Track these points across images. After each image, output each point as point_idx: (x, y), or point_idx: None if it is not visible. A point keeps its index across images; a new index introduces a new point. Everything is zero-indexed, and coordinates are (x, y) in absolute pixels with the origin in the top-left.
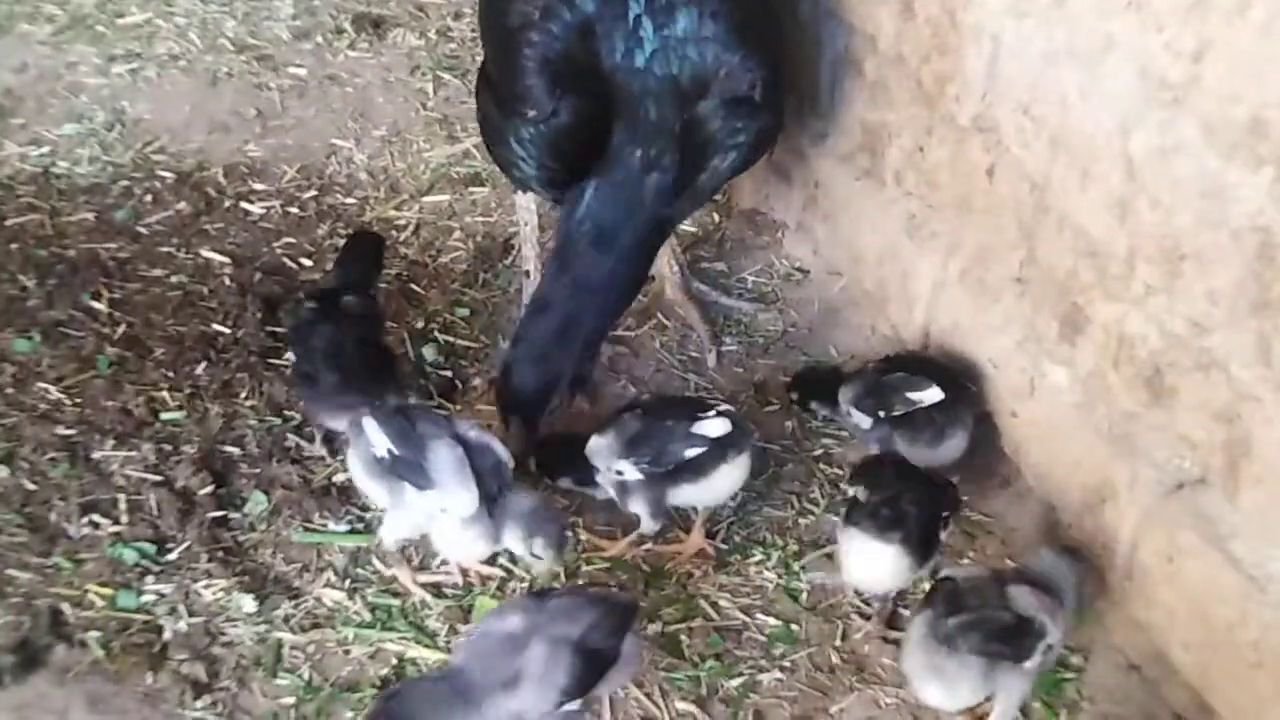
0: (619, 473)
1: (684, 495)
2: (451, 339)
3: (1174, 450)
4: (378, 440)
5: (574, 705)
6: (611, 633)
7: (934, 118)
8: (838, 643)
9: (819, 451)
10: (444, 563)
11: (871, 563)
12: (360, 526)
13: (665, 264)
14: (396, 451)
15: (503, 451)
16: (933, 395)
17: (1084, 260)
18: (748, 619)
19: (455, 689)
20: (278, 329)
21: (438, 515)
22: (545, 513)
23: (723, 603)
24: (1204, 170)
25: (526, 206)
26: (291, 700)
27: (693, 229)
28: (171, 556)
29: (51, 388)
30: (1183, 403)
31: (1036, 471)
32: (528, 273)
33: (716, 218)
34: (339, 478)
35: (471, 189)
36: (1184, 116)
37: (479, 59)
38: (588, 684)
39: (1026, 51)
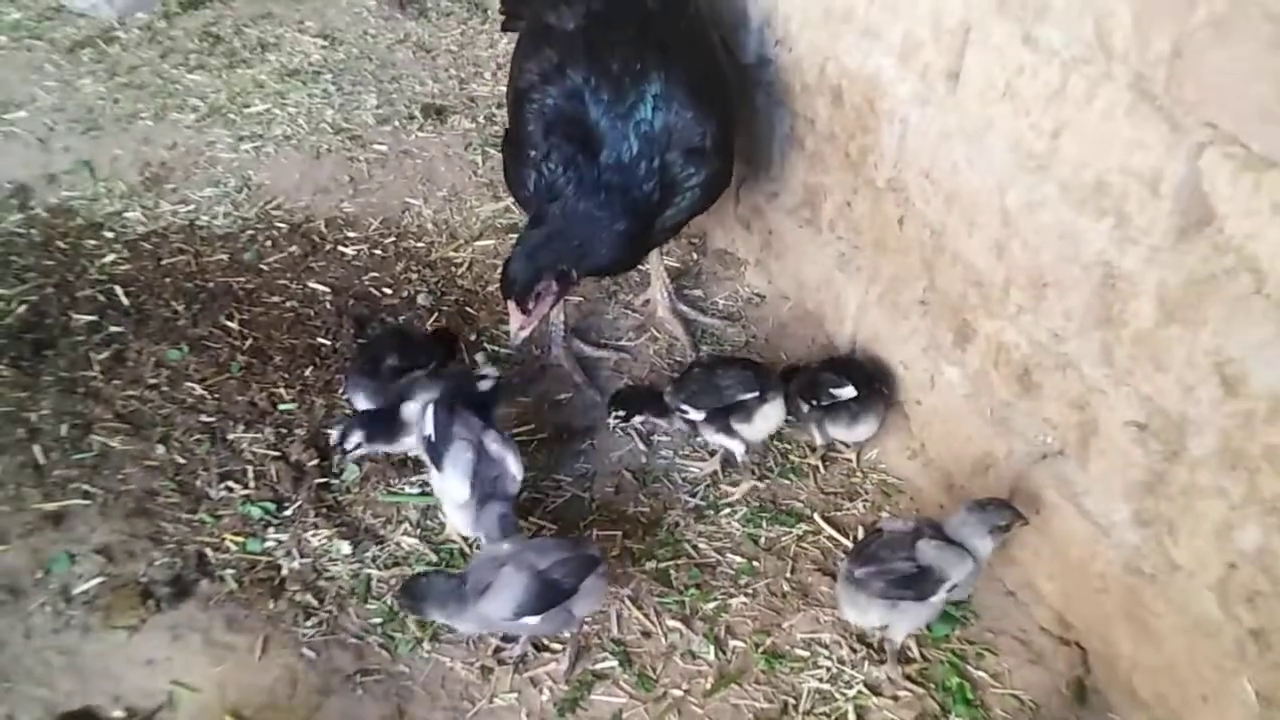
0: (685, 412)
1: (742, 431)
2: (497, 349)
3: (1040, 430)
4: (428, 425)
5: (532, 620)
6: (571, 572)
7: (858, 180)
8: (788, 575)
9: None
10: None
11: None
12: (428, 490)
13: (657, 290)
14: (433, 438)
15: (514, 468)
16: (848, 393)
17: (971, 287)
18: (720, 557)
19: (456, 586)
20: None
21: (442, 493)
22: (505, 522)
23: (701, 545)
24: (1061, 219)
25: None
26: (378, 621)
27: (676, 264)
28: (287, 513)
29: (196, 386)
30: (1046, 394)
31: (937, 446)
32: None
33: (695, 256)
34: (412, 453)
35: (511, 235)
36: (1046, 179)
37: None
38: (540, 606)
39: (927, 130)
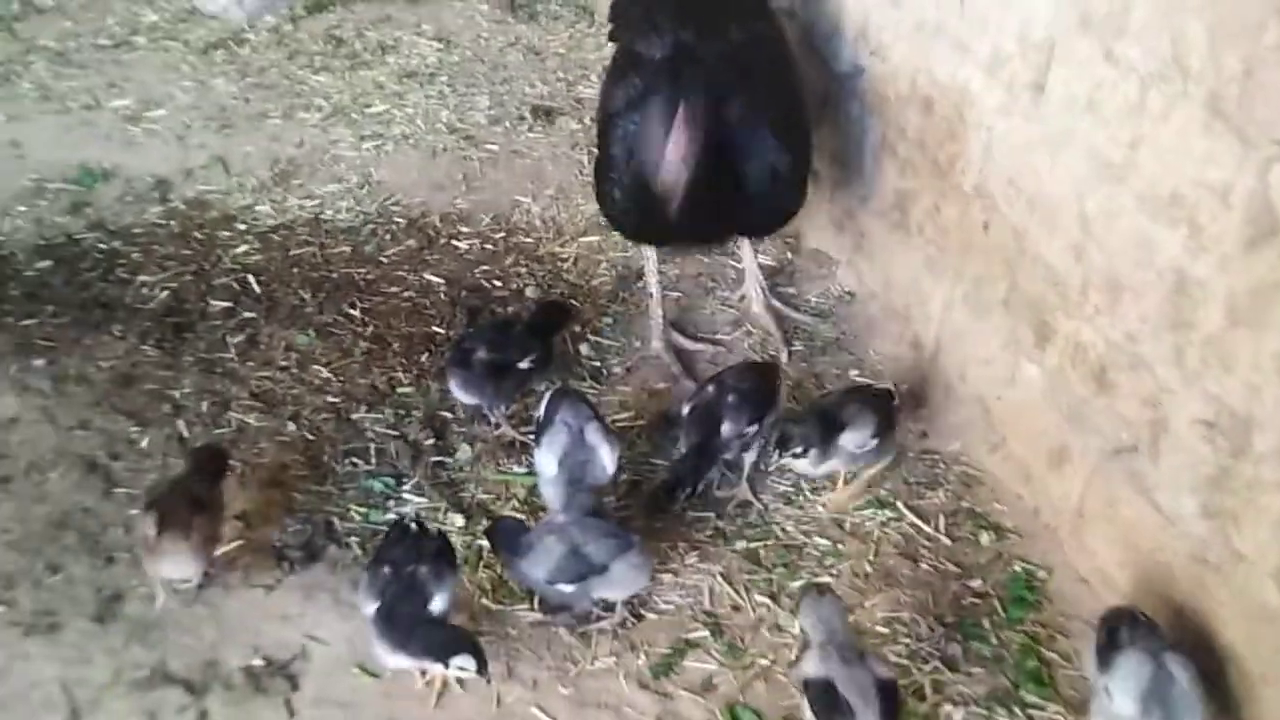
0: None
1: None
2: (599, 339)
3: (1113, 426)
4: (541, 409)
5: (567, 588)
6: (603, 550)
7: (946, 186)
8: (871, 558)
9: None
10: None
11: None
12: (534, 470)
13: (751, 286)
14: (540, 418)
15: (607, 459)
16: (803, 467)
17: (1051, 289)
18: (806, 540)
19: (526, 538)
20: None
21: (538, 470)
22: (580, 500)
23: (789, 528)
24: (1137, 227)
25: (649, 248)
26: (489, 586)
27: (771, 263)
28: (406, 487)
29: (323, 369)
30: (1120, 392)
31: (1016, 440)
32: (651, 294)
33: (789, 255)
34: (518, 437)
35: (614, 232)
36: (1124, 188)
37: None
38: (569, 577)
39: (1013, 139)
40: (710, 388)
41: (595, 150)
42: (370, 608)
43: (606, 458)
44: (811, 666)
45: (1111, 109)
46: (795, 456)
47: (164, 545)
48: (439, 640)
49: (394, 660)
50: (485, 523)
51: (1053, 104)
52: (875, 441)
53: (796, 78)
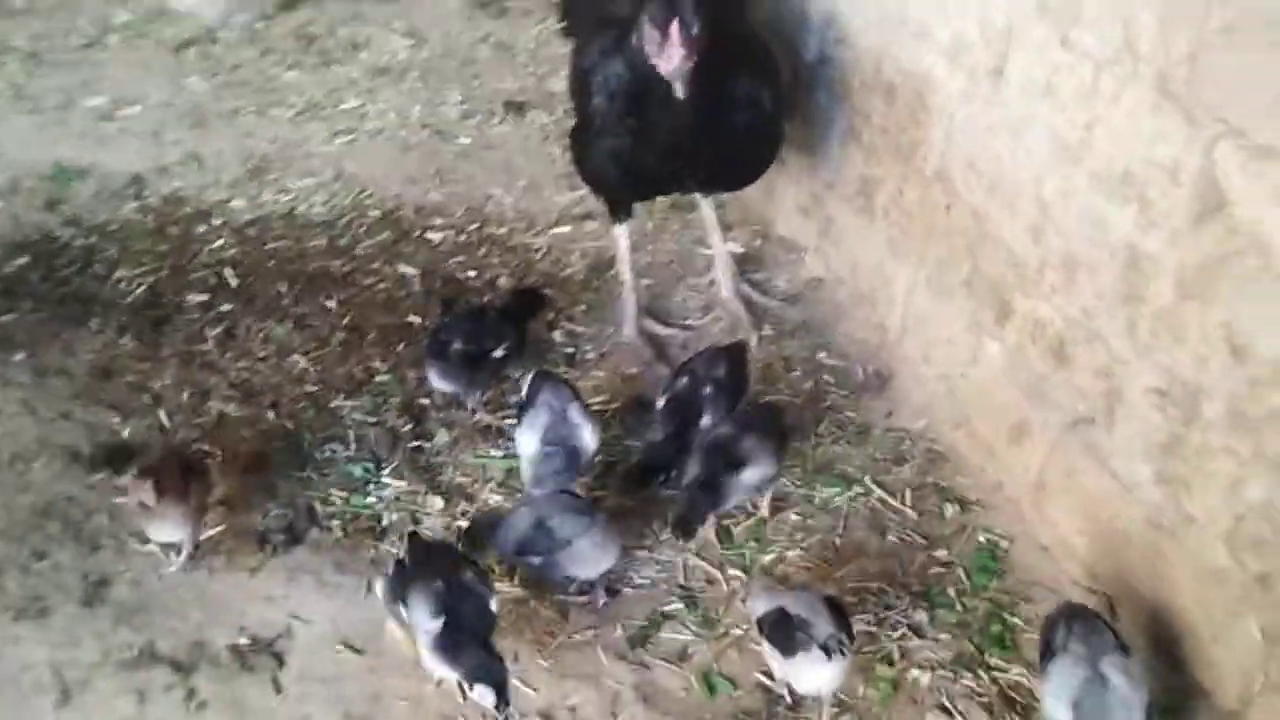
0: None
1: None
2: (573, 326)
3: (1071, 399)
4: (524, 388)
5: (535, 559)
6: (566, 525)
7: (909, 170)
8: (840, 531)
9: (826, 403)
10: None
11: None
12: (511, 453)
13: (720, 272)
14: (522, 399)
15: (589, 439)
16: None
17: (1010, 269)
18: (777, 515)
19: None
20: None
21: (520, 449)
22: (556, 479)
23: (760, 504)
24: (1092, 206)
25: (621, 235)
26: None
27: (741, 249)
28: (385, 472)
29: (301, 359)
30: (1077, 365)
31: (979, 416)
32: (623, 281)
33: (758, 242)
34: (494, 422)
35: (586, 223)
36: (1079, 169)
37: None
38: (538, 549)
39: (973, 125)
40: (683, 379)
41: (574, 116)
42: (434, 623)
43: (588, 438)
44: (760, 605)
45: (1068, 92)
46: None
47: (164, 509)
48: (475, 663)
49: (448, 673)
50: (463, 505)
51: (1012, 88)
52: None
53: (764, 36)
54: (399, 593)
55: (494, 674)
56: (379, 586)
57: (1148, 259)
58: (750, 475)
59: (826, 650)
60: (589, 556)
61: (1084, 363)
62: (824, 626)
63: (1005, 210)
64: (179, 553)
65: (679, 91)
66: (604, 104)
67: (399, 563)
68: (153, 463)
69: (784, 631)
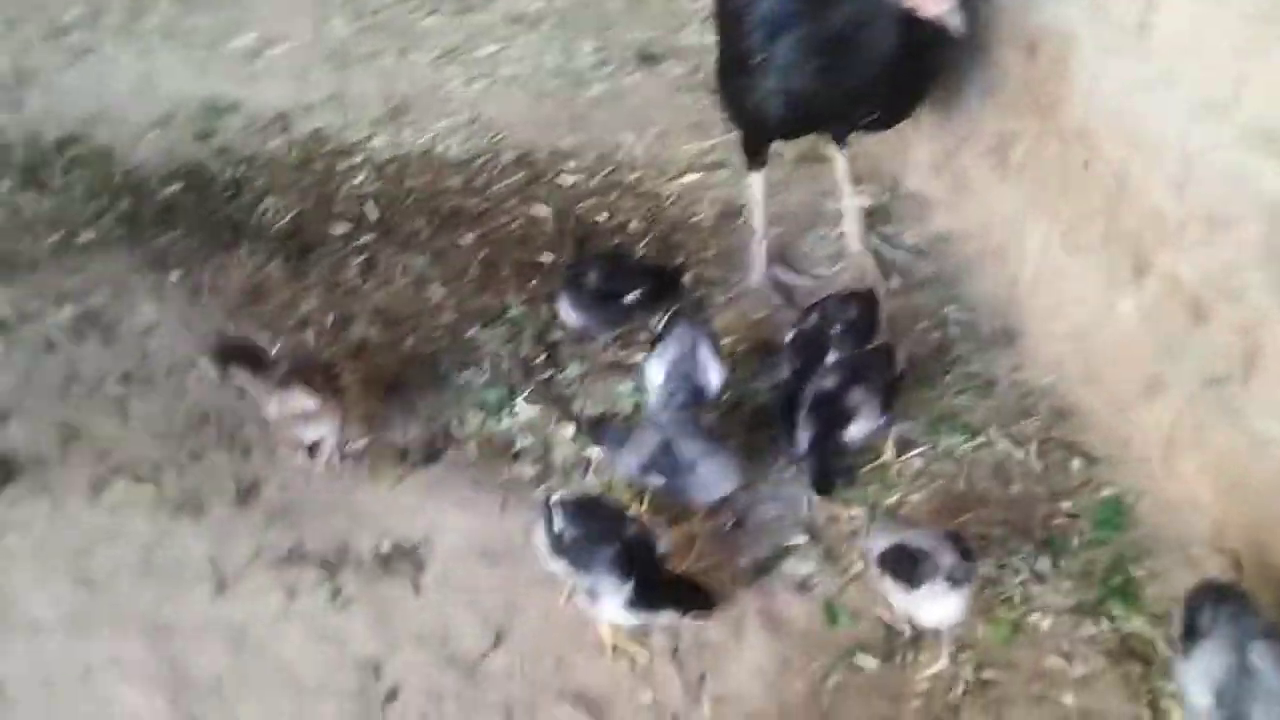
0: None
1: None
2: (702, 272)
3: (1208, 356)
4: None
5: (658, 480)
6: (694, 449)
7: (1048, 126)
8: (963, 479)
9: (952, 356)
10: None
11: None
12: (639, 387)
13: (850, 224)
14: (657, 333)
15: (713, 375)
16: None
17: (1149, 225)
18: (900, 462)
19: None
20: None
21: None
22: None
23: (884, 448)
24: (1238, 162)
25: (756, 182)
26: (596, 491)
27: (870, 203)
28: (519, 400)
29: (438, 290)
30: (1215, 323)
31: (1111, 373)
32: (754, 229)
33: (888, 196)
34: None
35: (717, 172)
36: (1225, 125)
37: None
38: (662, 469)
39: (1117, 79)
40: (813, 316)
41: (720, 52)
42: (626, 585)
43: (713, 374)
44: (881, 541)
45: (1215, 47)
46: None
47: (324, 411)
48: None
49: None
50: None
51: (1158, 43)
52: (884, 419)
53: None
54: (564, 556)
55: (707, 600)
56: (538, 543)
57: None
58: (857, 430)
59: (952, 580)
60: (711, 481)
61: (1223, 319)
62: (947, 557)
63: (1147, 166)
64: (322, 453)
65: (957, 26)
66: (761, 37)
67: (557, 534)
68: (297, 367)
69: (907, 563)
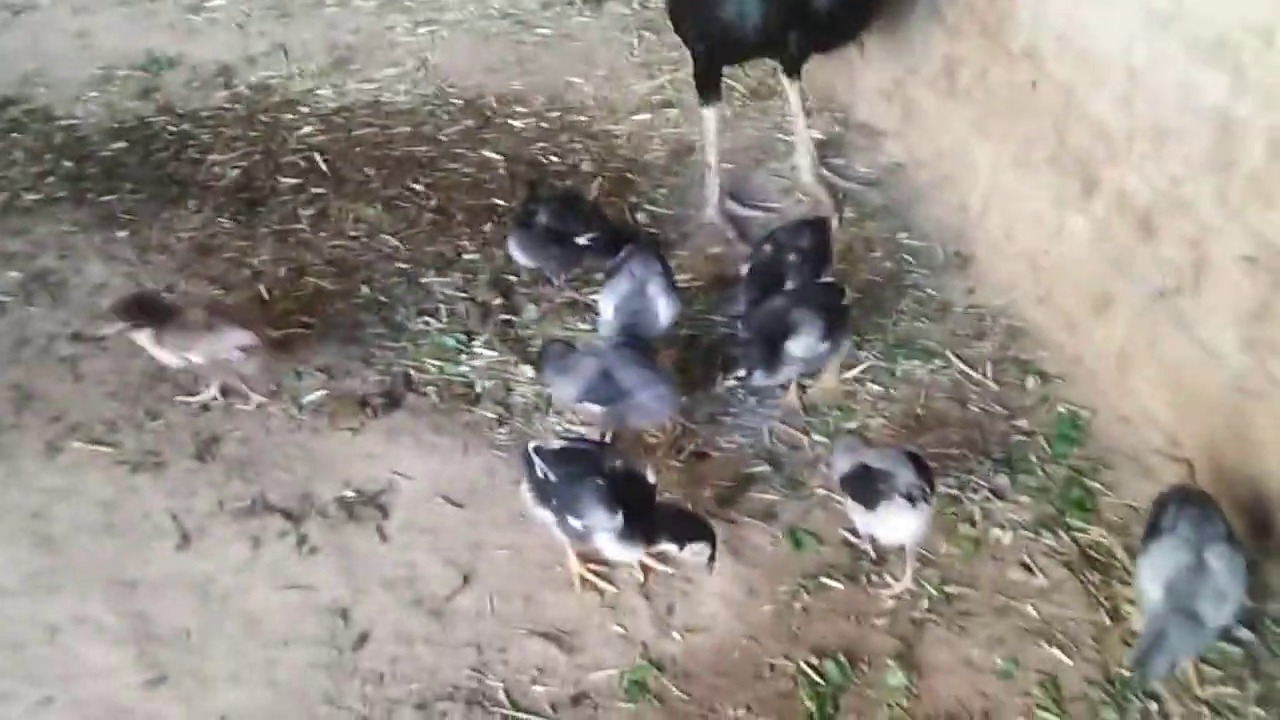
0: None
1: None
2: (655, 209)
3: (1157, 269)
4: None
5: (595, 408)
6: (631, 377)
7: (995, 49)
8: (922, 402)
9: (907, 281)
10: None
11: None
12: (596, 325)
13: (802, 156)
14: (612, 266)
15: (663, 311)
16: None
17: (1098, 141)
18: (860, 387)
19: (569, 359)
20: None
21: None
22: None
23: (844, 376)
24: (1183, 74)
25: (710, 117)
26: (558, 430)
27: (820, 135)
28: (477, 344)
29: (390, 238)
30: (1164, 236)
31: (1062, 291)
32: (709, 164)
33: (838, 128)
34: (581, 299)
35: (665, 110)
36: (1170, 36)
37: (668, 21)
38: (600, 398)
39: None
40: (767, 247)
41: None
42: (615, 518)
43: (663, 310)
44: (842, 463)
45: None
46: (739, 380)
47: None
48: (684, 527)
49: (632, 554)
50: None
51: None
52: (825, 346)
53: None
54: (550, 502)
55: (707, 531)
56: (524, 494)
57: (1239, 123)
58: (796, 346)
59: (910, 498)
60: (649, 407)
61: (1171, 233)
62: (906, 476)
63: (1094, 82)
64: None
65: None
66: None
67: (541, 477)
68: (216, 309)
69: (866, 484)
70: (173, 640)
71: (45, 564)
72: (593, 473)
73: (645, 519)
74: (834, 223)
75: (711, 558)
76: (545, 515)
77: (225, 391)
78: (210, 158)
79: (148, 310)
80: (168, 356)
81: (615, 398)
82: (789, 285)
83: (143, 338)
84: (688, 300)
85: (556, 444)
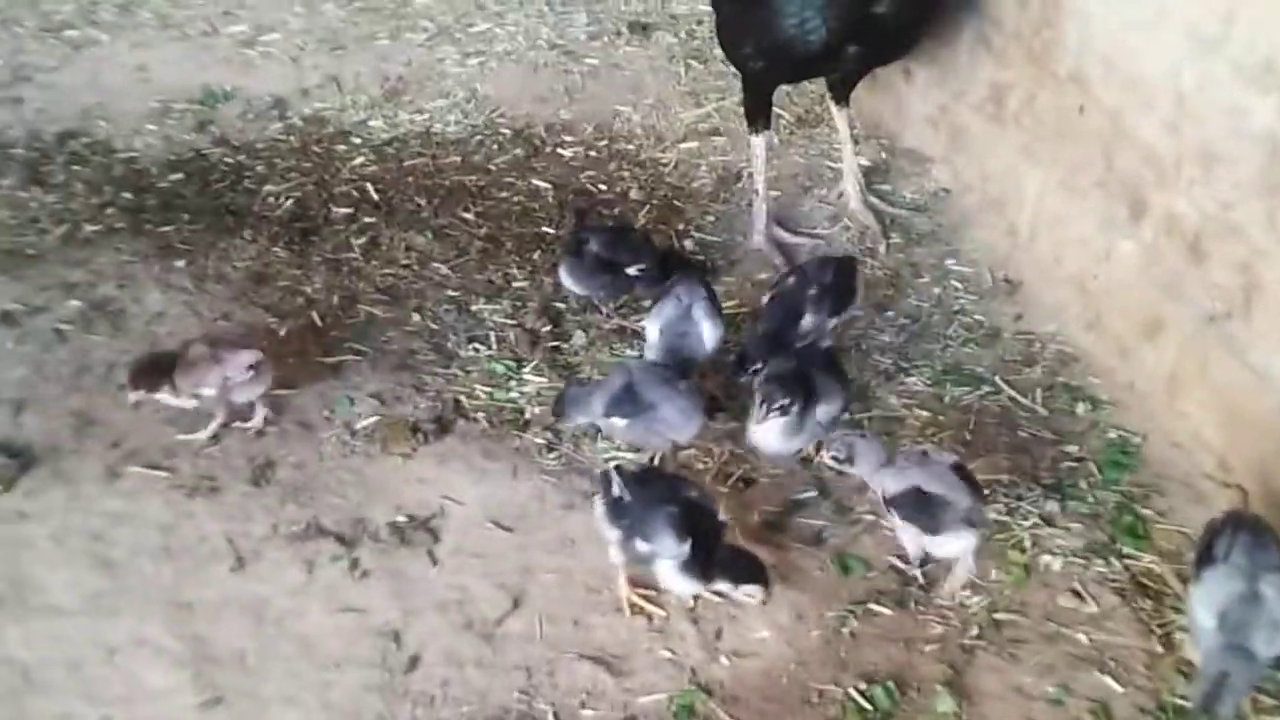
0: None
1: None
2: (703, 236)
3: (1207, 294)
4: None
5: (620, 421)
6: (656, 391)
7: (1042, 74)
8: (970, 428)
9: (955, 307)
10: None
11: None
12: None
13: (849, 184)
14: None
15: (708, 336)
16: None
17: (1146, 166)
18: (908, 412)
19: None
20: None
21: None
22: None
23: (891, 401)
24: (1230, 98)
25: (759, 144)
26: (607, 456)
27: (867, 163)
28: (526, 370)
29: (441, 266)
30: (1214, 260)
31: (1111, 316)
32: (757, 191)
33: (884, 155)
34: (629, 325)
35: (712, 138)
36: (1218, 60)
37: (715, 51)
38: (624, 411)
39: (1109, 22)
40: (791, 278)
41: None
42: (682, 547)
43: (708, 335)
44: (891, 484)
45: None
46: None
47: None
48: (742, 568)
49: (688, 587)
50: None
51: None
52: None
53: None
54: (622, 522)
55: (763, 575)
56: (598, 511)
57: None
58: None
59: (971, 523)
60: (674, 421)
61: (1222, 257)
62: (962, 499)
63: (1141, 106)
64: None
65: None
66: None
67: (616, 499)
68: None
69: (923, 509)
70: (229, 662)
71: (105, 586)
72: (668, 499)
73: (708, 554)
74: (880, 249)
75: (763, 601)
76: (614, 534)
77: (230, 420)
78: (265, 188)
79: (158, 368)
80: (184, 402)
81: (639, 411)
82: (808, 319)
83: (164, 396)
84: (734, 326)
85: (635, 467)
